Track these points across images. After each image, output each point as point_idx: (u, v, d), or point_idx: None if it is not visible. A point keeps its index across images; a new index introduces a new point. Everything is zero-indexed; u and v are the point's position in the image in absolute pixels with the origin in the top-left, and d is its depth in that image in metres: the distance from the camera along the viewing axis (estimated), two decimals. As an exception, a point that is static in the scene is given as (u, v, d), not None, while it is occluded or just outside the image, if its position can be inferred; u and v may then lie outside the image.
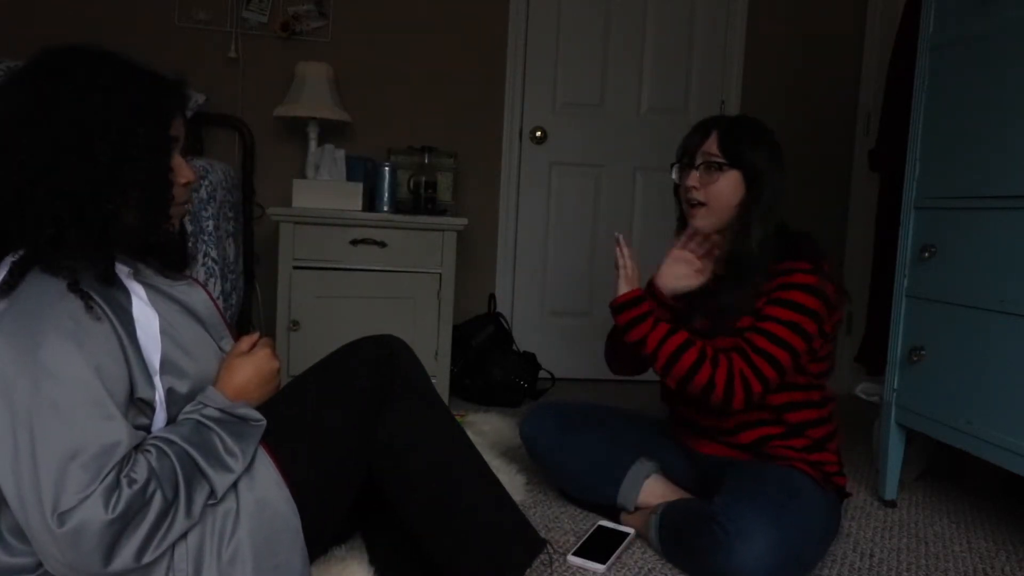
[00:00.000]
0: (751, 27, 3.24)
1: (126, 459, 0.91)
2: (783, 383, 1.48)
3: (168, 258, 1.13)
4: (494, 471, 1.27)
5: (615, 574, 1.45)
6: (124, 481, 0.89)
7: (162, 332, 1.00)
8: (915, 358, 1.81)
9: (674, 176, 1.62)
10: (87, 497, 0.86)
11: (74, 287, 0.92)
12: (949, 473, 2.20)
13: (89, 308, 0.92)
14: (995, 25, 1.64)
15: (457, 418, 1.29)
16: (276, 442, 1.08)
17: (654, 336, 1.48)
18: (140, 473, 0.90)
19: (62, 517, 0.85)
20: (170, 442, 0.96)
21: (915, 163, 1.86)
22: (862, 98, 3.31)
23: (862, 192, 3.29)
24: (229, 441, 1.00)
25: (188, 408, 1.02)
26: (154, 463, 0.92)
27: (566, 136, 3.20)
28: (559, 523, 1.68)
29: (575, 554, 1.48)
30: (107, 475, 0.88)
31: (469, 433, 1.29)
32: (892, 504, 1.91)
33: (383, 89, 3.02)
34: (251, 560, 0.99)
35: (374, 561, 1.32)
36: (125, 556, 0.88)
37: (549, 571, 1.40)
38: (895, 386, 1.89)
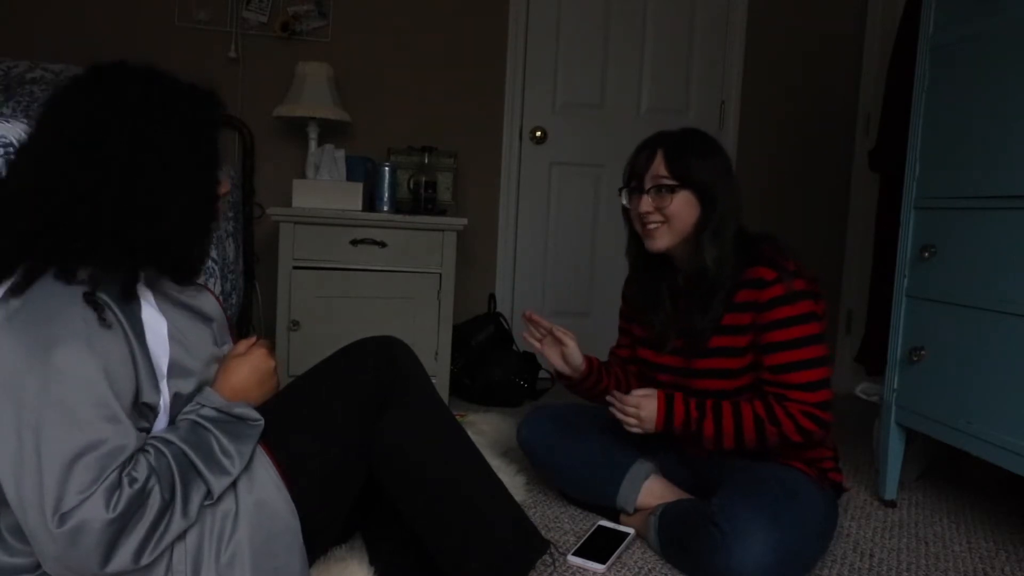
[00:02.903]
0: (751, 27, 3.24)
1: (128, 460, 0.91)
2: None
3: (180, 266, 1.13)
4: (494, 471, 1.27)
5: (615, 574, 1.45)
6: (126, 480, 0.89)
7: (170, 337, 1.00)
8: (915, 358, 1.81)
9: (624, 201, 1.59)
10: (88, 496, 0.86)
11: (89, 295, 0.92)
12: (949, 473, 2.20)
13: (101, 312, 0.92)
14: (995, 25, 1.64)
15: (457, 418, 1.29)
16: (276, 443, 1.09)
17: (708, 428, 1.49)
18: (140, 472, 0.91)
19: (63, 517, 0.85)
20: (168, 442, 0.96)
21: (915, 163, 1.86)
22: (862, 98, 3.31)
23: (862, 192, 3.29)
24: (225, 441, 1.00)
25: (186, 409, 1.02)
26: (153, 462, 0.93)
27: (566, 136, 3.20)
28: (559, 523, 1.68)
29: (575, 554, 1.48)
30: (109, 475, 0.88)
31: (469, 433, 1.29)
32: (892, 504, 1.91)
33: (383, 89, 3.02)
34: (250, 562, 0.99)
35: (374, 561, 1.32)
36: (123, 556, 0.88)
37: (550, 571, 1.40)
38: (895, 386, 1.89)
